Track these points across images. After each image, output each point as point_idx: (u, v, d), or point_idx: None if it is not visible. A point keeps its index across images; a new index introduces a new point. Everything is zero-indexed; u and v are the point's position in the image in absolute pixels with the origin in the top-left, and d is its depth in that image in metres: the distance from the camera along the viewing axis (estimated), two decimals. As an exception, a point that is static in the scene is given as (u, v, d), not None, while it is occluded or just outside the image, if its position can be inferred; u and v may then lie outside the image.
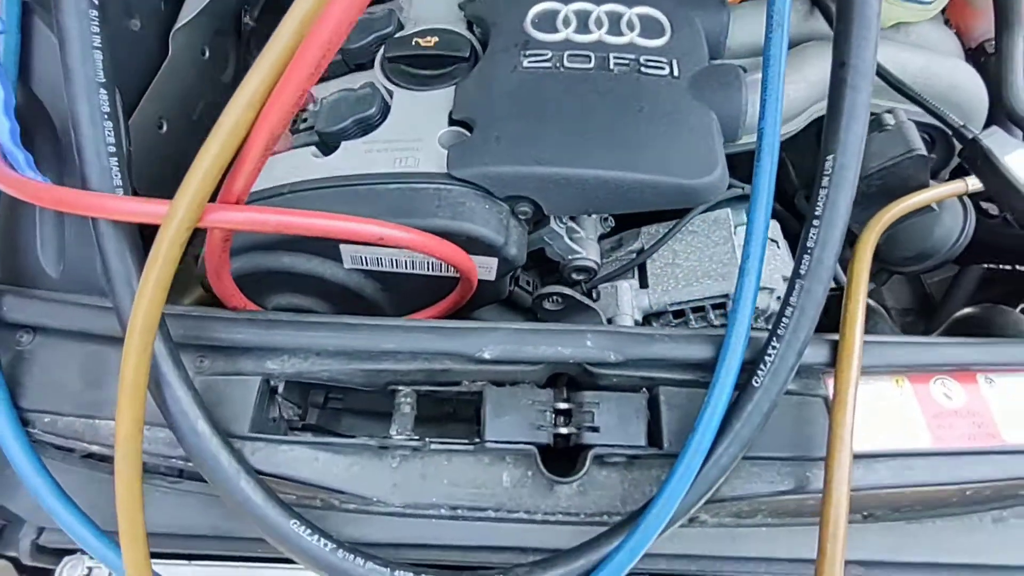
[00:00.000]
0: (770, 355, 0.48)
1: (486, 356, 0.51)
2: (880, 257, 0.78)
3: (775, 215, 0.77)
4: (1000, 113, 0.77)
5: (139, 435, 0.45)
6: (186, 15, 0.75)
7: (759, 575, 0.56)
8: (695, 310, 0.72)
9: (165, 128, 0.75)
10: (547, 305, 0.68)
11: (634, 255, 0.75)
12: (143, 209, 0.42)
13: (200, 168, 0.39)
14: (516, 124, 0.59)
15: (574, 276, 0.71)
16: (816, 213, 0.47)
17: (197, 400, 0.47)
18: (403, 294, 0.66)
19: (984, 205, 0.85)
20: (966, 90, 0.72)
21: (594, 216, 0.75)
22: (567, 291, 0.66)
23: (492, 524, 0.55)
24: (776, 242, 0.74)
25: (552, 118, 0.59)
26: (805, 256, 0.47)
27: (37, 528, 0.57)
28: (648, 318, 0.74)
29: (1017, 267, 0.78)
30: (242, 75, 0.48)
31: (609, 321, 0.71)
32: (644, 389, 0.54)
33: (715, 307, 0.71)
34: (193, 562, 0.56)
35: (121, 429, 0.45)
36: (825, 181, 0.46)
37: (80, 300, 0.55)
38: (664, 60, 0.63)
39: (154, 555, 0.48)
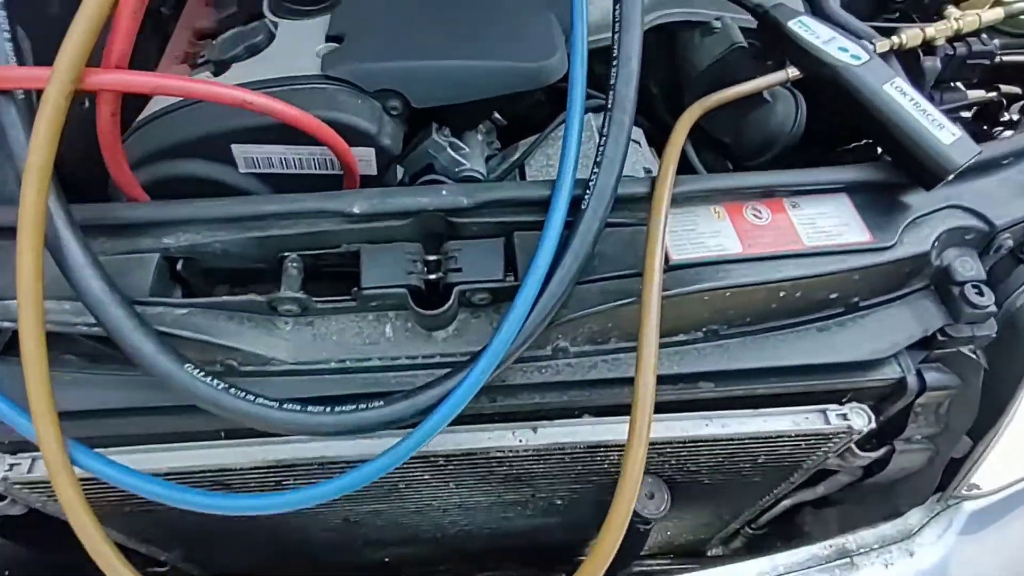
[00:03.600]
0: (592, 180, 0.56)
1: (355, 211, 0.59)
2: (732, 155, 0.88)
3: (639, 123, 0.87)
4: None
5: (39, 285, 0.51)
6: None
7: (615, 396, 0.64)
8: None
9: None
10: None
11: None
12: (30, 74, 0.49)
13: (76, 31, 0.46)
14: (380, 29, 0.68)
15: (462, 187, 0.79)
16: (614, 55, 0.56)
17: (95, 260, 0.53)
18: (296, 197, 0.73)
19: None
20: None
21: (479, 136, 0.84)
22: (442, 178, 0.74)
23: (378, 374, 0.61)
24: (639, 143, 0.84)
25: (410, 23, 0.68)
26: (610, 92, 0.56)
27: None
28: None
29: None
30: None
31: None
32: (502, 237, 0.62)
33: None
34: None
35: (22, 282, 0.50)
36: (616, 27, 0.56)
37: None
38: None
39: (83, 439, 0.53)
